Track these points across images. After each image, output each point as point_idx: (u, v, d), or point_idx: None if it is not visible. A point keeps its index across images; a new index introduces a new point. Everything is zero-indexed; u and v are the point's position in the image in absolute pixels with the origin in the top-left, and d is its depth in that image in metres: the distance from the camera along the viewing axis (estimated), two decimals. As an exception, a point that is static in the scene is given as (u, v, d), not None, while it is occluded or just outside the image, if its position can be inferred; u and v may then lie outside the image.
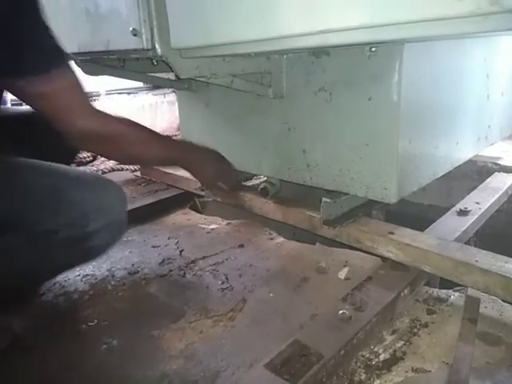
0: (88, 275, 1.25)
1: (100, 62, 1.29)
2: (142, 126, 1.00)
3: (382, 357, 0.89)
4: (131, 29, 0.96)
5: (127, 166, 2.31)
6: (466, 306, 1.03)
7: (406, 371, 0.85)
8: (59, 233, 0.84)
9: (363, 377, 0.84)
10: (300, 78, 1.22)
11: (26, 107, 1.00)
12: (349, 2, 0.60)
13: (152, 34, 0.95)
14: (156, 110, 3.15)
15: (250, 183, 1.80)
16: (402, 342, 0.93)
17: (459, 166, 1.53)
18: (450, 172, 1.46)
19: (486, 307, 1.03)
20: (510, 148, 2.08)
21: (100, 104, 2.90)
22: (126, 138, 0.94)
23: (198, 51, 0.91)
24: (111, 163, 2.31)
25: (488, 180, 1.74)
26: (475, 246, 1.66)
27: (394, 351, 0.91)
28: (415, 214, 2.04)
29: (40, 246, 0.85)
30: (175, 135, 2.95)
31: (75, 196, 0.87)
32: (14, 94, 0.86)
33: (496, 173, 1.82)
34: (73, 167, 1.05)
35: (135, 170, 2.24)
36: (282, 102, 1.28)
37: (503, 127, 1.88)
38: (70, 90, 0.83)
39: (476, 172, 1.90)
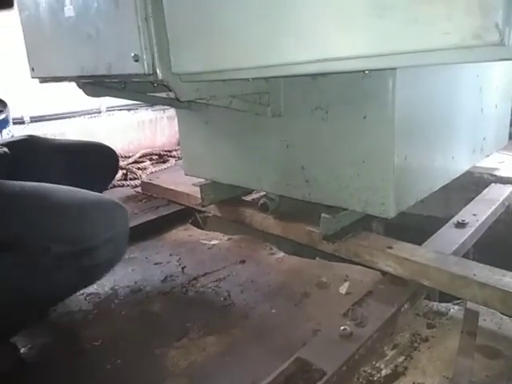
0: (91, 294, 1.27)
1: (102, 84, 1.32)
2: None
3: (383, 372, 0.91)
4: (132, 54, 0.99)
5: (128, 182, 2.34)
6: (465, 319, 1.04)
7: (408, 386, 0.86)
8: (58, 250, 0.82)
9: (365, 392, 0.85)
10: (297, 97, 1.25)
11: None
12: (346, 35, 0.63)
13: (153, 59, 0.97)
14: (156, 126, 3.19)
15: (249, 197, 1.82)
16: (403, 357, 0.95)
17: (456, 178, 1.55)
18: (447, 184, 1.49)
19: (485, 320, 1.05)
20: (506, 159, 2.11)
21: (101, 121, 2.94)
22: None
23: (198, 76, 0.94)
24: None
25: (485, 191, 1.76)
26: (474, 258, 1.69)
27: (396, 366, 0.92)
28: (414, 225, 2.06)
29: (42, 267, 0.83)
30: (175, 150, 2.99)
31: (76, 213, 0.88)
32: None
33: (492, 184, 1.84)
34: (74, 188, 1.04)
35: (136, 186, 2.26)
36: (280, 120, 1.31)
37: (498, 138, 1.90)
38: None
39: (473, 183, 1.93)
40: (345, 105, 1.16)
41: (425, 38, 0.54)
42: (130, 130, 3.04)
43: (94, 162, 1.50)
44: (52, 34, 1.24)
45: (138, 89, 1.37)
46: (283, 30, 0.71)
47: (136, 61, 0.99)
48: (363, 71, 1.00)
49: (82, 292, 1.28)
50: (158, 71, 0.98)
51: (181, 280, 1.34)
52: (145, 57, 0.98)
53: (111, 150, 1.58)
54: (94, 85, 1.32)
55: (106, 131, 2.93)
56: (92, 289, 1.29)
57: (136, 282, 1.33)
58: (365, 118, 1.13)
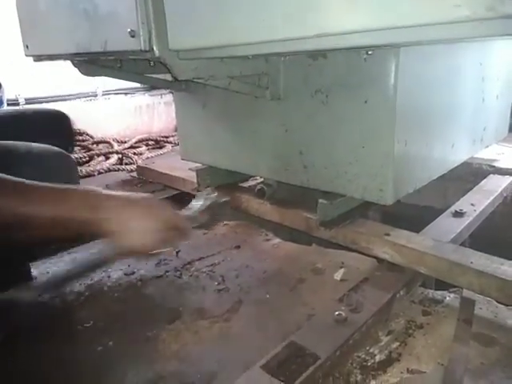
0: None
1: (97, 62, 1.29)
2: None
3: (377, 358, 0.90)
4: (129, 30, 0.96)
5: (123, 167, 2.32)
6: (461, 307, 1.03)
7: (402, 372, 0.86)
8: None
9: (359, 378, 0.85)
10: (297, 79, 1.22)
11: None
12: (345, 7, 0.61)
13: (150, 35, 0.95)
14: (153, 111, 3.15)
15: (246, 184, 1.80)
16: (398, 343, 0.94)
17: (455, 167, 1.54)
18: (445, 174, 1.47)
19: (481, 308, 1.04)
20: (505, 150, 2.09)
21: (97, 104, 2.90)
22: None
23: (196, 53, 0.91)
24: (107, 164, 2.31)
25: (483, 182, 1.75)
26: (470, 248, 1.68)
27: (390, 352, 0.91)
28: (411, 215, 2.05)
29: None
30: (172, 136, 2.95)
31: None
32: None
33: (491, 175, 1.83)
34: None
35: (131, 171, 2.24)
36: (279, 104, 1.29)
37: (499, 130, 1.89)
38: None
39: (471, 174, 1.92)
40: (345, 89, 1.14)
41: (434, 11, 0.52)
42: (126, 114, 3.00)
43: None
44: (47, 9, 1.21)
45: (135, 69, 1.34)
46: (281, 4, 0.68)
47: (132, 36, 0.96)
48: (367, 48, 0.97)
49: (74, 274, 1.26)
50: (154, 47, 0.96)
51: (175, 264, 1.32)
52: (141, 32, 0.95)
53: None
54: (90, 63, 1.29)
55: (103, 115, 2.89)
56: (85, 271, 1.28)
57: (129, 266, 1.31)
58: (366, 102, 1.11)
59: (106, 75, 1.38)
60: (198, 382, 0.85)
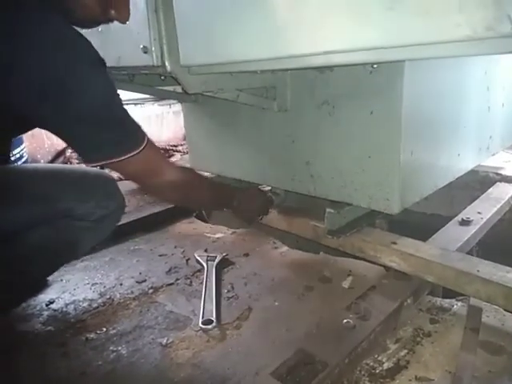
0: (97, 284, 1.28)
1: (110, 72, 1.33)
2: (201, 175, 1.27)
3: (385, 365, 0.91)
4: (142, 46, 1.00)
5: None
6: (469, 315, 1.04)
7: (410, 380, 0.87)
8: (94, 215, 1.02)
9: (367, 385, 0.86)
10: (304, 91, 1.25)
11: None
12: (352, 25, 0.63)
13: (162, 51, 0.98)
14: (162, 121, 3.20)
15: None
16: (406, 351, 0.95)
17: (461, 176, 1.55)
18: (452, 182, 1.49)
19: (488, 316, 1.05)
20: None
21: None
22: (195, 187, 1.12)
23: (206, 68, 0.94)
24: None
25: (490, 190, 1.76)
26: (477, 256, 1.68)
27: (398, 360, 0.93)
28: (418, 223, 2.05)
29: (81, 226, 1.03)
30: (180, 145, 3.00)
31: (96, 186, 1.06)
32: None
33: (498, 183, 1.84)
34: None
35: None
36: (286, 115, 1.31)
37: (505, 137, 1.90)
38: (156, 154, 0.99)
39: (478, 182, 1.92)
40: (352, 100, 1.16)
41: (436, 30, 0.54)
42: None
43: None
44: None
45: (146, 82, 1.38)
46: (292, 22, 0.71)
47: (145, 52, 1.00)
48: (372, 64, 1.00)
49: (87, 281, 1.29)
50: (166, 63, 0.99)
51: (185, 272, 1.34)
52: (154, 49, 0.99)
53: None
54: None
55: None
56: (97, 278, 1.31)
57: (141, 273, 1.34)
58: (372, 113, 1.13)
59: (117, 88, 1.42)
60: (209, 388, 0.87)
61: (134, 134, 0.92)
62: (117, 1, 0.89)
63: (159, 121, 3.17)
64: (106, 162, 0.90)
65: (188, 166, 1.76)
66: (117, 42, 1.09)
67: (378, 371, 0.90)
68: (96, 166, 0.94)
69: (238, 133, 1.51)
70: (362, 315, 0.99)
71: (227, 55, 0.84)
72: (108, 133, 0.87)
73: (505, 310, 1.04)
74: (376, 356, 0.94)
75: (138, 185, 1.07)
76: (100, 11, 0.89)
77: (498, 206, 1.59)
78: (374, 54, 0.63)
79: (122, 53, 1.08)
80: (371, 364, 0.92)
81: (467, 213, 1.50)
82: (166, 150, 2.91)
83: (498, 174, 1.89)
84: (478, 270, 1.03)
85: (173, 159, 2.75)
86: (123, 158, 0.88)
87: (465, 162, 1.54)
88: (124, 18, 0.92)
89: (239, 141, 1.51)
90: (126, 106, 0.92)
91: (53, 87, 0.79)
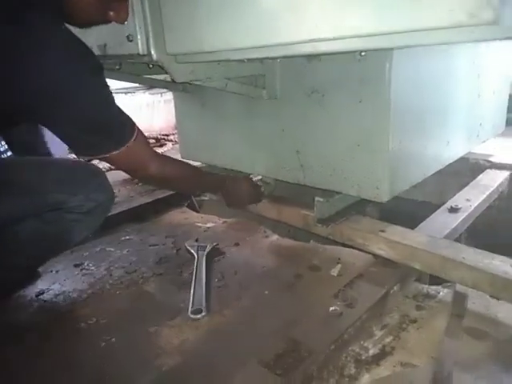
0: (87, 274, 1.28)
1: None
2: (189, 164, 1.28)
3: (371, 351, 0.93)
4: (127, 34, 0.98)
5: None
6: (454, 301, 1.06)
7: (394, 366, 0.88)
8: (83, 207, 1.04)
9: (353, 371, 0.88)
10: (293, 80, 1.25)
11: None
12: (338, 12, 0.63)
13: (147, 39, 0.97)
14: (153, 110, 3.17)
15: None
16: (391, 337, 0.97)
17: (452, 163, 1.56)
18: (442, 169, 1.49)
19: (473, 303, 1.06)
20: (503, 144, 2.10)
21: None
22: (182, 176, 1.17)
23: (192, 57, 0.93)
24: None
25: (479, 177, 1.77)
26: (466, 243, 1.70)
27: (384, 346, 0.94)
28: (409, 210, 2.07)
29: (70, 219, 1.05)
30: (172, 134, 2.98)
31: (85, 179, 1.07)
32: None
33: (488, 170, 1.85)
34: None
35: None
36: (275, 104, 1.31)
37: (495, 124, 1.90)
38: (141, 150, 1.02)
39: (468, 169, 1.93)
40: (341, 88, 1.16)
41: (420, 18, 0.54)
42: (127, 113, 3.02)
43: None
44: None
45: (134, 70, 1.36)
46: (277, 9, 0.71)
47: (130, 41, 0.99)
48: (360, 52, 0.99)
49: (76, 272, 1.30)
50: (152, 51, 0.98)
51: (175, 261, 1.35)
52: (139, 37, 0.98)
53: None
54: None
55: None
56: (87, 269, 1.31)
57: (131, 263, 1.34)
58: (360, 101, 1.13)
59: (106, 77, 1.40)
60: (197, 375, 0.88)
61: (122, 131, 0.97)
62: (116, 4, 0.91)
63: (150, 110, 3.15)
64: (97, 157, 0.96)
65: (179, 155, 1.76)
66: (102, 30, 1.07)
67: (363, 357, 0.91)
68: (89, 160, 1.00)
69: (228, 122, 1.50)
70: (348, 303, 1.00)
71: (212, 43, 0.83)
72: (100, 132, 0.93)
73: (490, 296, 1.06)
74: (362, 342, 0.95)
75: (129, 175, 1.15)
76: (99, 14, 0.91)
77: (487, 193, 1.61)
78: (361, 41, 0.63)
79: (108, 41, 1.06)
80: (357, 350, 0.93)
81: (456, 200, 1.51)
82: (158, 140, 2.89)
83: (488, 161, 1.90)
84: (464, 257, 1.04)
85: (164, 149, 2.74)
86: (113, 153, 0.94)
87: (454, 149, 1.55)
88: (122, 19, 0.95)
89: (229, 130, 1.50)
90: (116, 98, 0.96)
91: (51, 91, 0.84)
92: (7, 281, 1.12)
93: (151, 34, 0.96)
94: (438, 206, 1.49)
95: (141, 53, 0.98)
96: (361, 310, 0.98)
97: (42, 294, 1.19)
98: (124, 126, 0.98)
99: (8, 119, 0.96)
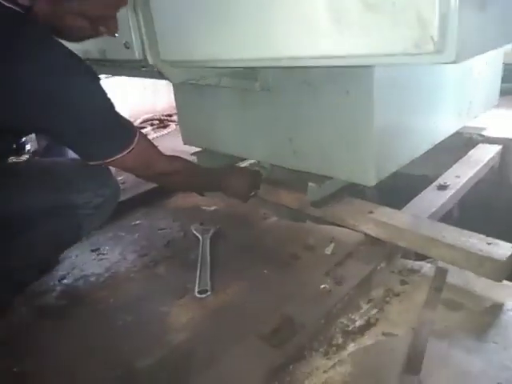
0: (103, 259, 1.41)
1: (97, 63, 1.38)
2: (191, 162, 1.33)
3: (357, 323, 1.04)
4: (124, 42, 1.05)
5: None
6: (435, 276, 1.16)
7: (377, 335, 1.00)
8: (92, 202, 1.12)
9: (340, 341, 0.99)
10: (285, 72, 1.30)
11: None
12: (313, 38, 0.70)
13: (143, 46, 1.04)
14: (157, 91, 3.22)
15: (246, 163, 1.90)
16: (376, 310, 1.08)
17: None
18: (437, 145, 1.55)
19: (453, 277, 1.16)
20: (498, 114, 2.11)
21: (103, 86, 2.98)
22: (186, 174, 1.23)
23: (185, 63, 1.00)
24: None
25: (471, 152, 1.82)
26: (457, 216, 1.79)
27: (369, 318, 1.06)
28: (407, 185, 2.14)
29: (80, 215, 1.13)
30: (175, 114, 3.04)
31: (92, 176, 1.13)
32: None
33: (480, 144, 1.90)
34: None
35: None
36: (269, 94, 1.38)
37: (488, 98, 1.92)
38: (147, 149, 1.09)
39: (462, 143, 1.97)
40: (329, 80, 1.22)
41: (375, 45, 0.61)
42: (130, 94, 3.08)
43: None
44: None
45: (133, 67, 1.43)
46: (262, 30, 0.77)
47: (127, 48, 1.06)
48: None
49: (93, 257, 1.42)
50: (148, 57, 1.06)
51: (183, 245, 1.46)
52: (135, 44, 1.04)
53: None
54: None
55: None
56: (103, 254, 1.43)
57: (142, 248, 1.46)
58: (347, 92, 1.20)
59: (106, 73, 1.48)
60: (202, 347, 1.00)
61: (125, 133, 1.03)
62: (105, 18, 0.96)
63: (153, 91, 3.20)
64: (103, 161, 1.02)
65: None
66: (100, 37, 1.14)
67: (350, 328, 1.03)
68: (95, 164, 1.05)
69: (225, 110, 1.57)
70: (338, 281, 1.11)
71: (202, 54, 0.90)
72: (103, 139, 0.99)
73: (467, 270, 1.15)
74: (350, 315, 1.07)
75: (138, 176, 1.20)
76: (91, 29, 0.96)
77: (477, 169, 1.67)
78: (329, 61, 0.70)
79: (107, 46, 1.14)
80: (345, 322, 1.05)
81: (445, 177, 1.58)
82: (161, 121, 2.97)
83: (481, 135, 1.94)
84: (444, 236, 1.13)
85: (168, 130, 2.82)
86: (118, 156, 1.00)
87: (443, 128, 1.61)
88: (113, 32, 1.00)
89: (226, 119, 1.57)
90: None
91: (53, 101, 0.89)
92: (27, 272, 1.19)
93: (146, 41, 1.03)
94: (435, 179, 1.56)
95: (137, 58, 1.06)
96: (348, 286, 1.09)
97: (64, 278, 1.32)
98: (126, 128, 1.04)
99: (12, 131, 1.03)
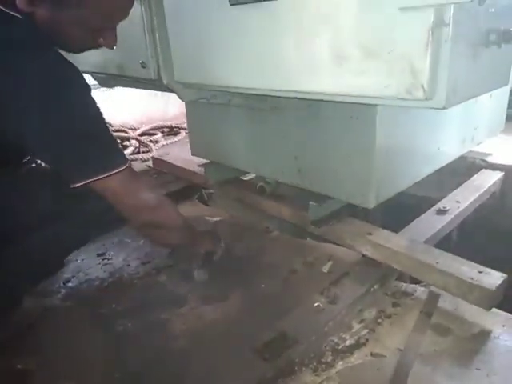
0: (107, 264, 1.46)
1: (114, 77, 1.45)
2: (179, 213, 1.24)
3: (348, 342, 1.08)
4: (140, 61, 1.11)
5: (140, 156, 2.50)
6: (427, 300, 1.19)
7: (366, 355, 1.04)
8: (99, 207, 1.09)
9: (329, 358, 1.03)
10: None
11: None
12: (314, 77, 0.75)
13: (158, 66, 1.10)
14: (168, 97, 3.28)
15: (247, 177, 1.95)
16: (367, 330, 1.11)
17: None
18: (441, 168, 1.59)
19: (444, 302, 1.20)
20: (502, 141, 2.14)
21: (115, 92, 3.05)
22: (166, 228, 1.18)
23: (197, 86, 1.06)
24: (125, 153, 2.49)
25: (474, 177, 1.85)
26: (456, 240, 1.82)
27: (359, 338, 1.09)
28: (411, 204, 2.17)
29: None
30: (185, 122, 3.11)
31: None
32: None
33: (483, 170, 1.93)
34: None
35: (147, 160, 2.42)
36: (277, 113, 1.42)
37: (493, 126, 1.95)
38: (134, 179, 1.05)
39: (466, 168, 2.00)
40: (334, 105, 1.26)
41: (371, 87, 0.66)
42: (141, 101, 3.15)
43: None
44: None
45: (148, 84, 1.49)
46: (273, 65, 0.83)
47: (143, 67, 1.12)
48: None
49: (98, 262, 1.48)
50: (162, 77, 1.11)
51: (185, 254, 1.50)
52: (151, 64, 1.10)
53: None
54: (107, 78, 1.45)
55: (119, 104, 3.05)
56: (107, 259, 1.49)
57: (146, 255, 1.51)
58: (351, 117, 1.24)
59: (121, 86, 1.54)
60: (197, 356, 1.05)
61: (118, 153, 1.02)
62: (105, 31, 0.98)
63: (165, 97, 3.26)
64: (91, 179, 0.97)
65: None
66: (118, 53, 1.20)
67: (340, 347, 1.06)
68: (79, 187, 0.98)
69: (234, 126, 1.62)
70: (331, 299, 1.15)
71: (216, 80, 0.96)
72: (92, 154, 0.97)
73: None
74: (341, 334, 1.10)
75: (115, 205, 1.07)
76: (90, 41, 0.98)
77: (477, 195, 1.70)
78: (329, 97, 0.75)
79: (124, 63, 1.20)
80: (336, 341, 1.08)
81: (445, 202, 1.61)
82: (172, 128, 3.03)
83: (484, 160, 1.97)
84: (438, 262, 1.17)
85: (178, 137, 2.88)
86: (107, 174, 0.97)
87: (446, 154, 1.63)
88: (111, 45, 1.00)
89: (235, 133, 1.62)
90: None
91: (46, 111, 0.88)
92: (34, 274, 1.20)
93: (161, 62, 1.09)
94: (438, 200, 1.60)
95: (153, 78, 1.11)
96: (341, 306, 1.13)
97: (69, 281, 1.37)
98: (115, 148, 1.01)
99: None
